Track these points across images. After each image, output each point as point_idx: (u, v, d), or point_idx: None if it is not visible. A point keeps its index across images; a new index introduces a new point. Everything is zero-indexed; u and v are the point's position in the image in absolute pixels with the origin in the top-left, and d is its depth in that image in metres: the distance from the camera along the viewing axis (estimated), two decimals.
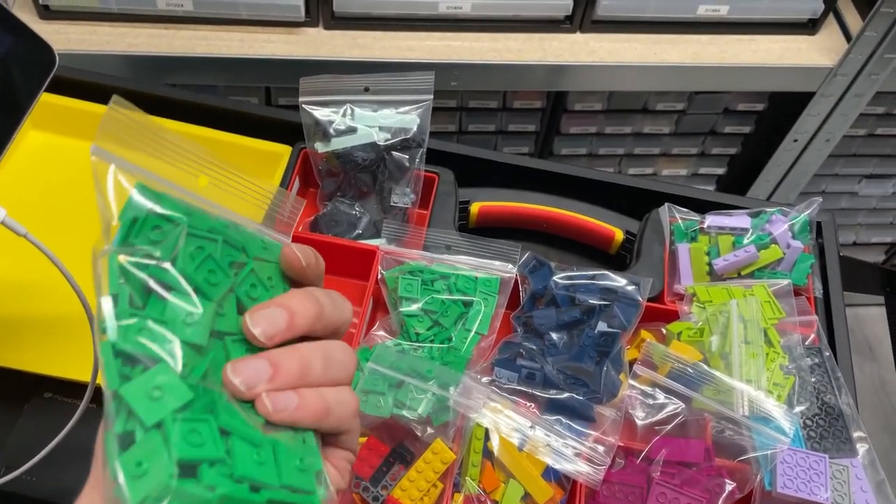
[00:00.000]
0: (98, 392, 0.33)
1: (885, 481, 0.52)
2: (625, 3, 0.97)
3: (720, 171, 1.27)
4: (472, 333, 0.56)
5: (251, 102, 1.01)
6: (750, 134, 1.20)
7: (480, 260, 0.59)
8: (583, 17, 0.99)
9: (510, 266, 0.59)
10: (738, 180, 1.27)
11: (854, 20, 1.04)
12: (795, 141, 1.14)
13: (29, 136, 0.70)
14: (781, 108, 1.13)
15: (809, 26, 1.03)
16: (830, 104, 1.08)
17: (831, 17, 1.05)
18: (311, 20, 0.95)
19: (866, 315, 1.53)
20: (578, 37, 1.00)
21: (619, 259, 0.67)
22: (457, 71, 0.97)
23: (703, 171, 1.27)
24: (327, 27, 0.96)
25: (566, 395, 0.52)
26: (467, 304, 0.58)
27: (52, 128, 0.70)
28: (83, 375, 0.50)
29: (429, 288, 0.57)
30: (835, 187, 1.34)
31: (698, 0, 0.98)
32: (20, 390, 0.56)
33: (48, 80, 0.38)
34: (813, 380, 0.56)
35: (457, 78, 0.98)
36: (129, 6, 0.91)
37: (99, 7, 0.91)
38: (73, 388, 0.56)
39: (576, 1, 0.96)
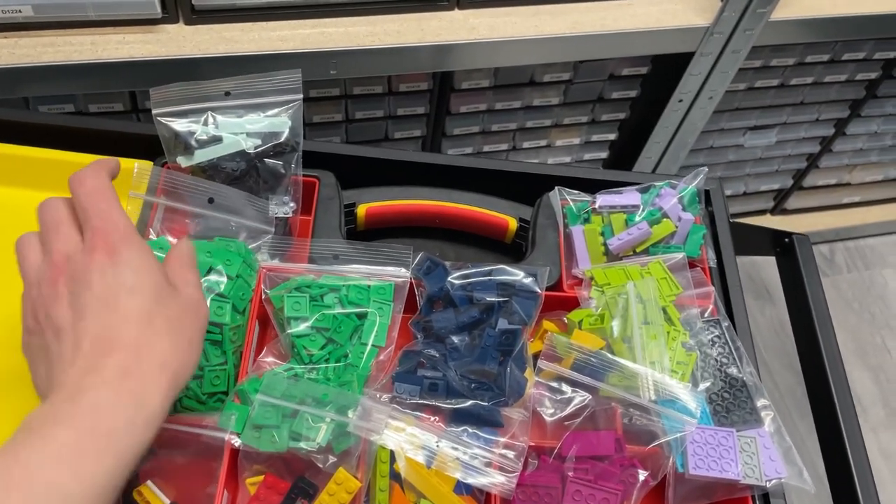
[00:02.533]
0: None
1: (792, 447, 0.53)
2: None
3: (611, 136, 1.27)
4: (369, 347, 0.53)
5: (105, 119, 0.93)
6: (637, 98, 1.20)
7: (371, 267, 0.56)
8: None
9: (403, 270, 0.56)
10: (630, 144, 1.28)
11: None
12: (680, 101, 1.15)
13: None
14: (664, 70, 1.14)
15: None
16: (710, 63, 1.09)
17: None
18: (168, 16, 0.88)
19: (761, 261, 1.58)
20: (457, 14, 0.97)
21: (516, 248, 0.65)
22: (335, 59, 0.93)
23: (595, 138, 1.27)
24: (188, 22, 0.89)
25: (470, 402, 0.50)
26: (361, 317, 0.54)
27: None
28: None
29: (318, 303, 0.54)
30: (721, 142, 1.37)
31: None
32: None
33: None
34: (714, 353, 0.56)
35: (336, 66, 0.94)
36: None
37: None
38: None
39: None
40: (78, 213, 0.42)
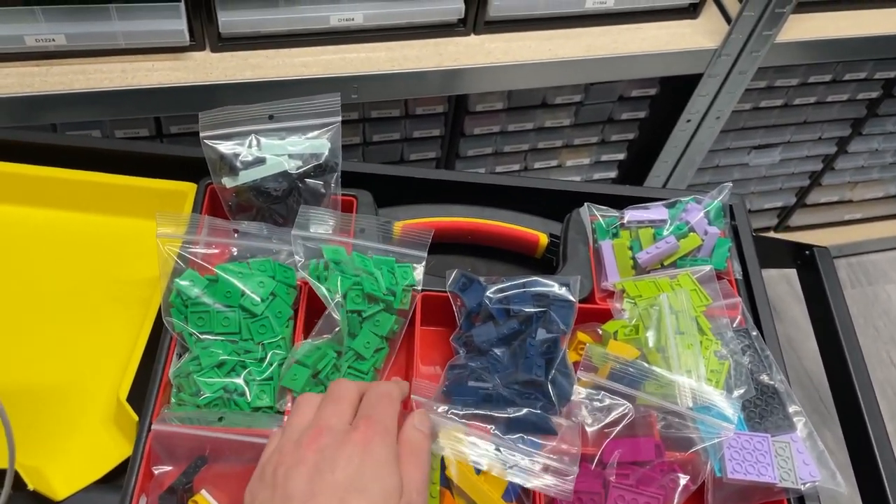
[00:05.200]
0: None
1: (825, 452, 0.54)
2: (516, 2, 0.97)
3: (620, 156, 1.30)
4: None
5: (144, 141, 0.95)
6: (645, 118, 1.23)
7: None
8: (476, 19, 0.98)
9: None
10: (638, 164, 1.31)
11: (732, 2, 1.08)
12: (688, 121, 1.18)
13: None
14: (672, 91, 1.17)
15: (691, 11, 1.07)
16: (717, 84, 1.13)
17: (712, 3, 1.09)
18: (196, 44, 0.90)
19: (767, 278, 1.60)
20: (473, 39, 1.00)
21: (546, 263, 0.67)
22: (356, 83, 0.95)
23: (604, 157, 1.30)
24: (215, 49, 0.91)
25: (524, 411, 0.51)
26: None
27: None
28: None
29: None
30: (727, 160, 1.39)
31: None
32: None
33: None
34: (746, 361, 0.58)
35: (356, 90, 0.96)
36: None
37: None
38: None
39: (467, 3, 0.96)
40: (362, 402, 0.46)
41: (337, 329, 0.56)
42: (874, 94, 1.32)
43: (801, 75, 1.24)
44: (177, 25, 0.87)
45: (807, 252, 0.68)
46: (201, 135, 0.58)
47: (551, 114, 1.17)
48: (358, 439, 0.42)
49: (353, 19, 0.93)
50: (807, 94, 1.28)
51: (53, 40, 0.85)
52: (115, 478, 0.52)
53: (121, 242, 0.64)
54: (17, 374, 0.55)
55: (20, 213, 0.64)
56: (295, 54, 0.94)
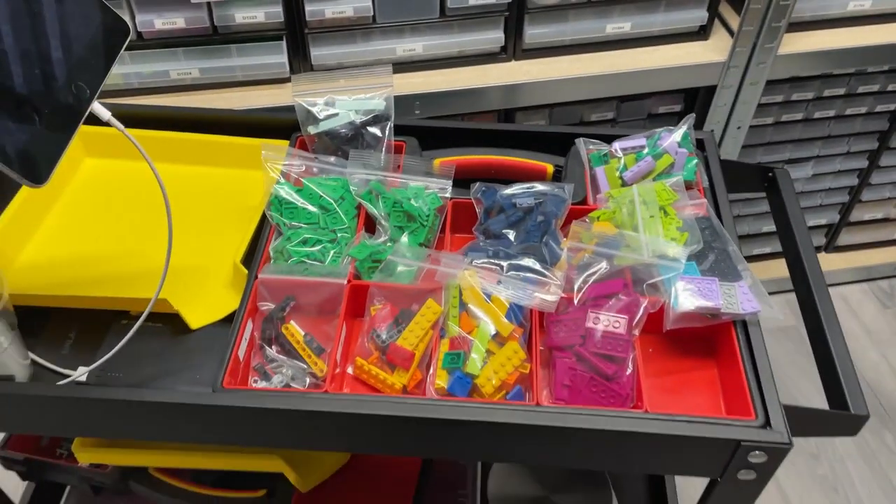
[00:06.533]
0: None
1: (766, 295, 0.68)
2: (546, 30, 1.20)
3: None
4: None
5: (254, 112, 1.18)
6: None
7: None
8: (514, 47, 1.21)
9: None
10: None
11: (735, 22, 1.27)
12: (712, 131, 1.35)
13: (84, 163, 0.89)
14: (695, 106, 1.34)
15: (701, 33, 1.26)
16: (732, 94, 1.30)
17: (719, 24, 1.29)
18: (295, 74, 1.17)
19: None
20: (513, 64, 1.23)
21: None
22: (418, 101, 1.19)
23: None
24: None
25: (524, 260, 0.69)
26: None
27: (103, 153, 0.89)
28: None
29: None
30: None
31: (605, 21, 1.21)
32: (106, 318, 0.73)
33: (125, 45, 0.57)
34: (704, 237, 0.73)
35: (419, 107, 1.19)
36: (148, 80, 1.13)
37: (123, 84, 1.13)
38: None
39: (507, 34, 1.19)
40: None
41: (384, 237, 0.75)
42: (893, 107, 1.45)
43: (815, 89, 1.39)
44: (280, 59, 1.13)
45: (770, 174, 0.83)
46: (293, 94, 0.82)
47: (587, 130, 1.36)
48: None
49: (414, 50, 1.17)
50: (825, 107, 1.42)
51: (191, 73, 1.13)
52: (232, 321, 0.72)
53: (238, 182, 0.87)
54: (180, 256, 0.76)
55: (171, 169, 0.88)
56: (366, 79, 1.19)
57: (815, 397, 1.54)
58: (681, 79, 1.25)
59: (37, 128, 0.48)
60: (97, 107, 0.55)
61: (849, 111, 1.44)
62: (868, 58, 1.29)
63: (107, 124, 0.58)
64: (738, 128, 1.36)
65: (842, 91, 1.40)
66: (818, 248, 1.75)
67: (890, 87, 1.41)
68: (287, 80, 1.17)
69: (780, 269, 1.65)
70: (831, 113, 1.44)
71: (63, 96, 0.51)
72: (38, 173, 0.48)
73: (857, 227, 1.71)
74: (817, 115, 1.43)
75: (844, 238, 1.72)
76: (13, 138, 0.46)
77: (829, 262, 1.75)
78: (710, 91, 1.29)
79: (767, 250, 1.67)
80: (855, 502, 1.42)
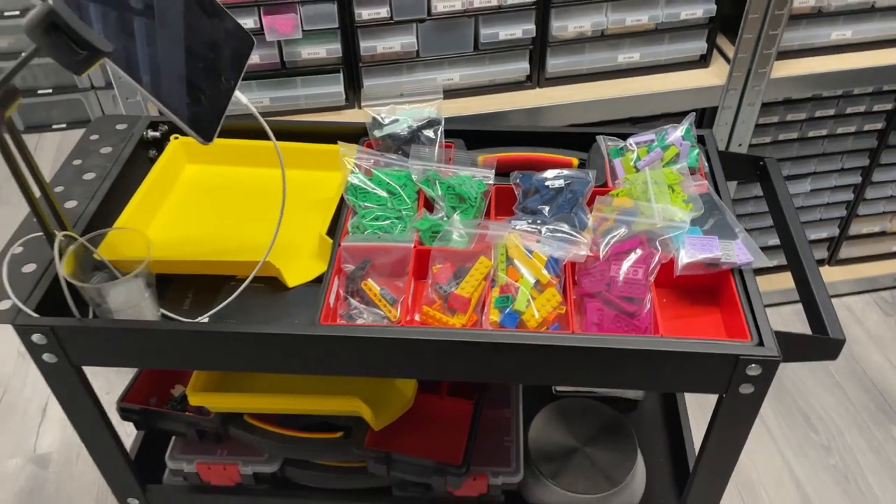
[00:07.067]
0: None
1: (758, 249, 0.84)
2: (566, 61, 1.38)
3: None
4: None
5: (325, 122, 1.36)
6: None
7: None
8: (538, 77, 1.39)
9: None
10: None
11: (731, 51, 1.44)
12: (711, 129, 1.50)
13: (186, 168, 1.07)
14: (700, 126, 1.51)
15: (702, 61, 1.44)
16: (732, 114, 1.47)
17: (718, 54, 1.46)
18: (349, 103, 1.35)
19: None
20: (538, 91, 1.41)
21: None
22: (456, 123, 1.36)
23: None
24: (360, 107, 1.36)
25: (558, 224, 0.85)
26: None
27: (201, 160, 1.07)
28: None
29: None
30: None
31: (617, 52, 1.39)
32: (217, 282, 0.89)
33: (251, 52, 0.75)
34: (705, 209, 0.89)
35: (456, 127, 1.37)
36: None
37: None
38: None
39: (531, 65, 1.37)
40: None
41: (441, 214, 0.92)
42: (879, 126, 1.61)
43: (807, 110, 1.55)
44: (337, 89, 1.32)
45: (761, 163, 0.99)
46: (363, 103, 1.00)
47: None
48: None
49: (452, 79, 1.36)
50: (818, 127, 1.59)
51: (262, 102, 1.32)
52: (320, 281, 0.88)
53: (316, 181, 1.04)
54: (281, 235, 0.93)
55: (262, 172, 1.05)
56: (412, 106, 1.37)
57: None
58: (685, 101, 1.43)
59: (203, 105, 0.65)
60: (238, 94, 0.73)
61: (840, 130, 1.60)
62: (852, 80, 1.46)
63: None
64: (740, 145, 1.52)
65: (832, 111, 1.57)
66: (821, 262, 1.89)
67: (875, 108, 1.58)
68: (342, 107, 1.36)
69: (783, 281, 1.79)
70: (824, 132, 1.60)
71: (218, 85, 0.69)
72: (208, 134, 0.66)
73: (857, 240, 1.85)
74: (811, 133, 1.59)
75: (846, 251, 1.86)
76: (192, 111, 0.64)
77: (833, 275, 1.88)
78: (713, 112, 1.46)
79: (774, 263, 1.81)
80: (865, 489, 1.52)
